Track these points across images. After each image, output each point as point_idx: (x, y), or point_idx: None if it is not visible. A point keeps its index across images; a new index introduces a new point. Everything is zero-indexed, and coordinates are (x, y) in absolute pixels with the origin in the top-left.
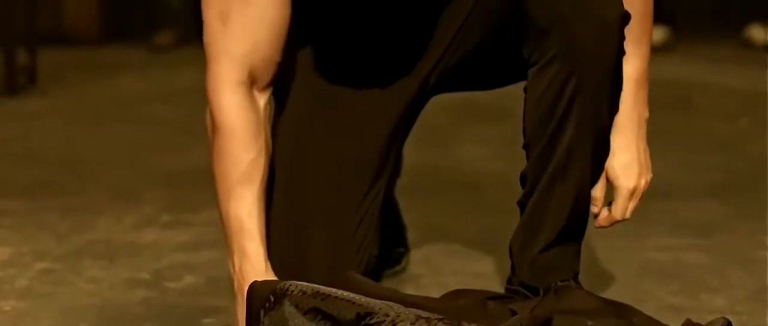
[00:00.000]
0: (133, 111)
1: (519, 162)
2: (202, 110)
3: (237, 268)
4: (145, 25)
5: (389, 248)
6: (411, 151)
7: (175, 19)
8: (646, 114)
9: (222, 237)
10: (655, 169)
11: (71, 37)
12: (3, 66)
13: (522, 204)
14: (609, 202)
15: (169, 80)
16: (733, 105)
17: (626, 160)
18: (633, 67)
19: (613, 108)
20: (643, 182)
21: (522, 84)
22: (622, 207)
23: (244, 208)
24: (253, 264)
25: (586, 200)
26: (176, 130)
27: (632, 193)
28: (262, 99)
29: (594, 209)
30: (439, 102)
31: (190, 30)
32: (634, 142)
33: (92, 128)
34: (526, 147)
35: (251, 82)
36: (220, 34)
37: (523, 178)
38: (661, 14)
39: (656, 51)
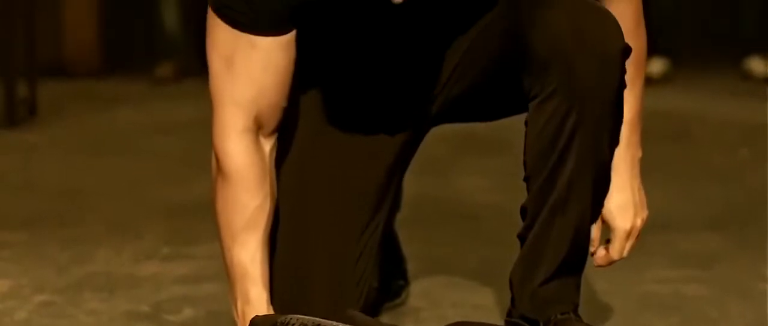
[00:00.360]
0: (133, 143)
1: (519, 194)
2: (202, 142)
3: (240, 313)
4: (145, 58)
5: (389, 281)
6: (411, 182)
7: (175, 51)
8: (640, 154)
9: (222, 271)
10: (654, 201)
11: (71, 69)
12: (3, 98)
13: (522, 237)
14: (606, 240)
15: (169, 112)
16: (733, 137)
17: (621, 201)
18: (627, 107)
19: (614, 141)
20: (639, 222)
21: (522, 116)
22: (620, 248)
23: (248, 254)
24: (256, 309)
25: (586, 233)
26: (176, 162)
27: (629, 234)
28: (268, 144)
29: (591, 248)
30: (439, 133)
31: (191, 62)
32: (629, 182)
33: (92, 160)
34: (526, 179)
35: (257, 127)
36: (226, 81)
37: (524, 211)
38: (660, 46)
39: (655, 82)
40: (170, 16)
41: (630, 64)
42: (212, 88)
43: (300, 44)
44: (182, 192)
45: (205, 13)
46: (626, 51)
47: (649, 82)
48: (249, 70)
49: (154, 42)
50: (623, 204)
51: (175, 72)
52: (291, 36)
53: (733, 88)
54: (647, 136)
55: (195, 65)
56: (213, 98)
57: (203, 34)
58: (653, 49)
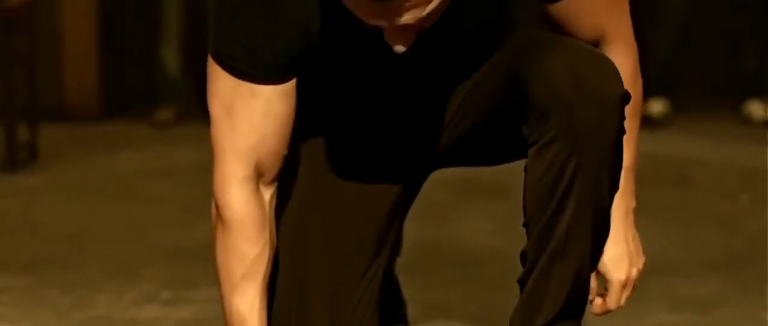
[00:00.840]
0: (134, 187)
1: (519, 238)
2: (202, 186)
3: None
4: (146, 101)
5: (389, 325)
6: (411, 226)
7: (175, 95)
8: (634, 203)
9: (222, 315)
10: (652, 244)
11: (72, 113)
12: (4, 141)
13: (522, 282)
14: (604, 288)
15: (170, 156)
16: (733, 181)
17: (616, 253)
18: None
19: (614, 187)
20: (634, 272)
21: (523, 161)
22: (616, 298)
23: (247, 303)
24: None
25: (585, 279)
26: (177, 206)
27: (624, 285)
28: (268, 193)
29: (589, 296)
30: (439, 177)
31: (191, 106)
32: (623, 233)
33: (92, 204)
34: (526, 225)
35: (258, 175)
36: (227, 129)
37: (523, 257)
38: (659, 89)
39: (655, 126)
40: (170, 60)
41: (626, 114)
42: (213, 136)
43: (300, 91)
44: (183, 236)
45: (206, 56)
46: (626, 97)
47: (649, 124)
48: (249, 118)
49: (154, 86)
50: (618, 256)
51: (175, 116)
52: (291, 84)
53: (733, 132)
54: (646, 179)
55: (195, 109)
56: (213, 146)
57: (204, 78)
58: (653, 91)
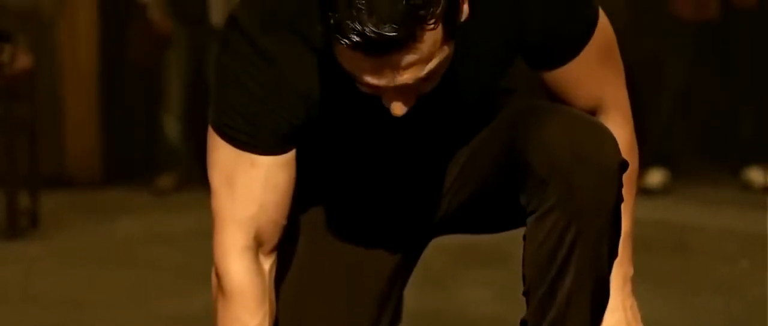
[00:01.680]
0: (134, 254)
1: (519, 306)
2: (202, 254)
3: None
4: (146, 168)
5: None
6: (411, 293)
7: (176, 162)
8: (631, 271)
9: None
10: (653, 312)
11: (73, 180)
12: (5, 208)
13: None
14: None
15: (170, 223)
16: (733, 247)
17: (614, 321)
18: None
19: (613, 255)
20: None
21: (521, 229)
22: None
23: None
24: None
25: None
26: (177, 273)
27: None
28: (268, 262)
29: None
30: (438, 244)
31: (192, 173)
32: (620, 301)
33: (93, 271)
34: (526, 293)
35: (257, 245)
36: (227, 198)
37: (524, 325)
38: (659, 159)
39: (655, 193)
40: (171, 127)
41: (623, 182)
42: (213, 206)
43: (300, 160)
44: (183, 304)
45: (207, 124)
46: (624, 165)
47: (649, 192)
48: (249, 188)
49: (155, 153)
50: (616, 325)
51: (176, 183)
52: (291, 154)
53: (733, 199)
54: (646, 247)
55: (196, 176)
56: (214, 216)
57: (204, 146)
58: (652, 159)
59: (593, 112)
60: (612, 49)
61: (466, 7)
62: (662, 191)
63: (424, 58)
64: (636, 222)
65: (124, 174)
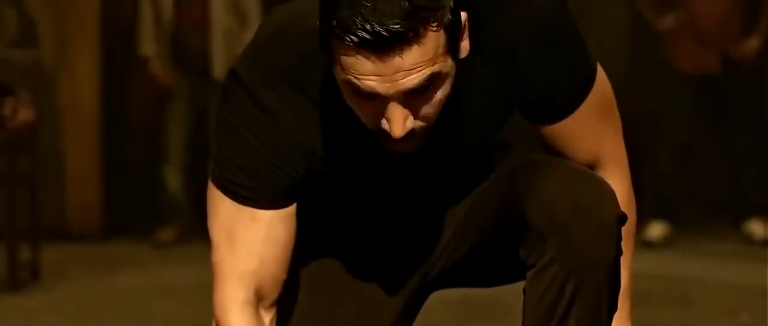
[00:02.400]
0: (135, 308)
1: None
2: (203, 308)
3: None
4: (147, 221)
5: None
6: None
7: (177, 215)
8: (630, 325)
9: None
10: None
11: (73, 232)
12: (5, 261)
13: None
14: None
15: (171, 276)
16: (733, 301)
17: None
18: None
19: (613, 308)
20: None
21: (521, 283)
22: None
23: None
24: None
25: None
26: None
27: None
28: (268, 317)
29: None
30: (438, 297)
31: (193, 226)
32: None
33: (94, 325)
34: None
35: (258, 300)
36: (227, 253)
37: None
38: (660, 211)
39: (656, 246)
40: (173, 180)
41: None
42: (213, 260)
43: (300, 214)
44: None
45: (207, 176)
46: (622, 218)
47: (650, 245)
48: (250, 243)
49: (155, 205)
50: None
51: (176, 236)
52: (292, 209)
53: (733, 252)
54: (647, 300)
55: (197, 229)
56: (214, 270)
57: (205, 199)
58: (652, 212)
59: (591, 166)
60: (610, 103)
61: (467, 43)
62: (663, 244)
63: (428, 60)
64: (636, 275)
65: (124, 226)
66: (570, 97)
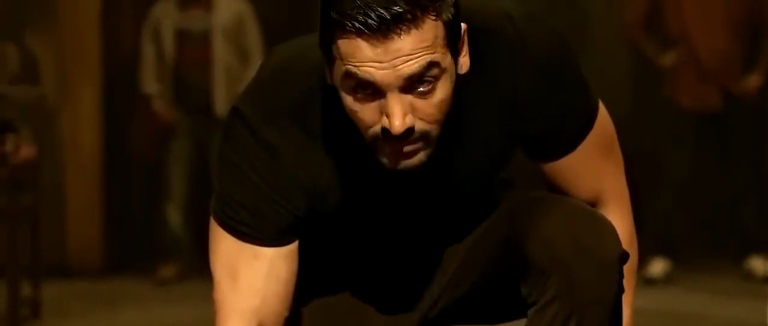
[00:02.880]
0: None
1: None
2: None
3: None
4: (148, 257)
5: None
6: None
7: (178, 251)
8: None
9: None
10: None
11: (74, 269)
12: (6, 298)
13: None
14: None
15: (172, 314)
16: None
17: None
18: None
19: None
20: None
21: (522, 320)
22: None
23: None
24: None
25: None
26: None
27: None
28: None
29: None
30: None
31: (194, 263)
32: None
33: None
34: None
35: None
36: (229, 290)
37: None
38: (660, 248)
39: (657, 283)
40: (174, 217)
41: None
42: (215, 298)
43: (302, 251)
44: None
45: (209, 213)
46: (624, 257)
47: (651, 282)
48: (252, 280)
49: (157, 242)
50: None
51: (178, 273)
52: (294, 245)
53: (734, 288)
54: None
55: (198, 266)
56: (216, 307)
57: (207, 236)
58: (653, 249)
59: (593, 203)
60: (612, 141)
61: (467, 59)
62: (664, 281)
63: (426, 47)
64: (638, 312)
65: (126, 263)
66: (571, 134)
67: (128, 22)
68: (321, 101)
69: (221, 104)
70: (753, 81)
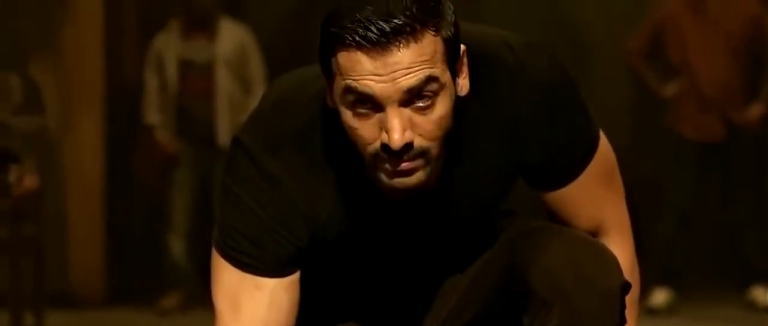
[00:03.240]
0: None
1: None
2: None
3: None
4: (151, 288)
5: None
6: None
7: (180, 281)
8: None
9: None
10: None
11: (77, 299)
12: None
13: None
14: None
15: None
16: None
17: None
18: None
19: None
20: None
21: None
22: None
23: None
24: None
25: None
26: None
27: None
28: None
29: None
30: None
31: (196, 293)
32: None
33: None
34: None
35: None
36: (232, 322)
37: None
38: (663, 278)
39: (659, 313)
40: (176, 247)
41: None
42: None
43: (303, 281)
44: None
45: (212, 243)
46: (625, 287)
47: (653, 312)
48: (254, 311)
49: (159, 272)
50: None
51: (180, 303)
52: (295, 276)
53: (737, 318)
54: None
55: (201, 296)
56: None
57: (210, 265)
58: (656, 280)
59: (594, 232)
60: (612, 170)
61: (466, 82)
62: (666, 310)
63: (425, 60)
64: None
65: (128, 293)
66: (572, 163)
67: (131, 51)
68: (322, 130)
69: (224, 134)
70: (755, 110)
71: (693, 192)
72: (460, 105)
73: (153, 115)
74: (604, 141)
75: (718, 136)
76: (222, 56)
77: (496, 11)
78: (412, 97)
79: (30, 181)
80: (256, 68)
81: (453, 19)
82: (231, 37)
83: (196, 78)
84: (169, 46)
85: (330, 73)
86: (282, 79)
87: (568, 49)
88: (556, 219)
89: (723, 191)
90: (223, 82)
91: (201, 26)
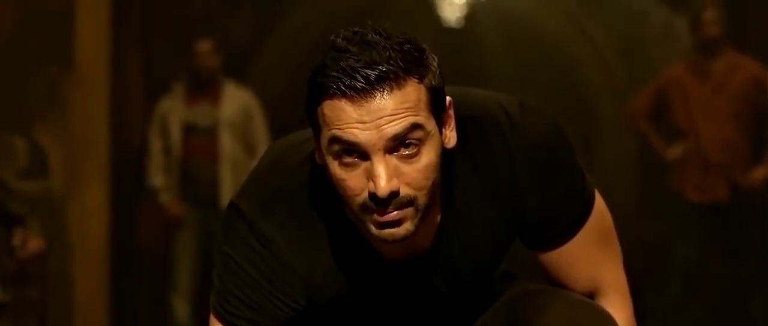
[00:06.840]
0: None
1: None
2: None
3: None
4: None
5: None
6: None
7: None
8: None
9: None
10: None
11: None
12: None
13: None
14: None
15: None
16: None
17: None
18: None
19: None
20: None
21: None
22: None
23: None
24: None
25: None
26: None
27: None
28: None
29: None
30: None
31: None
32: None
33: None
34: None
35: None
36: None
37: None
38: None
39: None
40: (180, 309)
41: None
42: None
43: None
44: None
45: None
46: None
47: None
48: None
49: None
50: None
51: None
52: None
53: None
54: None
55: None
56: None
57: None
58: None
59: (592, 294)
60: (609, 231)
61: (453, 134)
62: None
63: (409, 108)
64: None
65: None
66: (568, 223)
67: (136, 115)
68: (316, 189)
69: (228, 197)
70: (759, 173)
71: (698, 254)
72: (450, 160)
73: (157, 178)
74: (600, 201)
75: (723, 198)
76: (226, 119)
77: (498, 74)
78: (397, 144)
79: (35, 244)
80: (260, 131)
81: (438, 71)
82: (235, 100)
83: (200, 141)
84: (174, 110)
85: (317, 125)
86: (278, 142)
87: (573, 111)
88: (553, 279)
89: (728, 252)
90: (227, 145)
91: (205, 90)
